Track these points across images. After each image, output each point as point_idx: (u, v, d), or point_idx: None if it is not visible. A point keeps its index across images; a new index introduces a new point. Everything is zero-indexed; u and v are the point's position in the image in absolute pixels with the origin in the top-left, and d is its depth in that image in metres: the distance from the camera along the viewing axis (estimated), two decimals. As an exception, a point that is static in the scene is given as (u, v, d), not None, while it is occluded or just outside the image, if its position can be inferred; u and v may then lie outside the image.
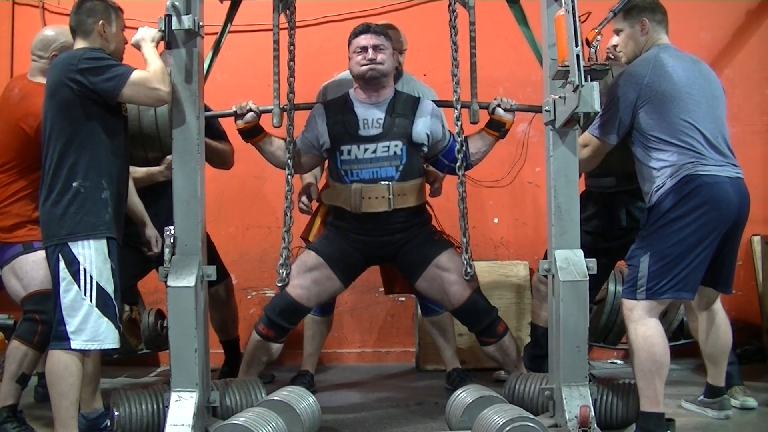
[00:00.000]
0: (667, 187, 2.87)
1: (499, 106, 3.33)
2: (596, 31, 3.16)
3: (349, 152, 3.34)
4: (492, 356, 3.50)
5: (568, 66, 2.58)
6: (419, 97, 3.47)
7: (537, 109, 3.17)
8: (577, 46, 2.53)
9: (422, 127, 3.35)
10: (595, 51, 3.10)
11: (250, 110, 3.31)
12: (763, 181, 4.52)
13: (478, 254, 4.52)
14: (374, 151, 3.33)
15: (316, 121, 3.41)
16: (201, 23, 2.87)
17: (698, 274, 2.90)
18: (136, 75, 2.79)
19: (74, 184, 2.80)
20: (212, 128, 3.59)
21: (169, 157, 3.47)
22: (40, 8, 4.77)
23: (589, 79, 2.57)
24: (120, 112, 2.94)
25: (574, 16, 2.53)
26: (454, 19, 3.30)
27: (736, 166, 2.96)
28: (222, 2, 3.32)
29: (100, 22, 2.90)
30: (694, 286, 2.92)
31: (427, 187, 3.62)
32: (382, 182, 3.32)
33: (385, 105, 3.37)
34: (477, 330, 3.45)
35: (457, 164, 3.31)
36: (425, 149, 3.39)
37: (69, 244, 2.77)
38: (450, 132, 3.41)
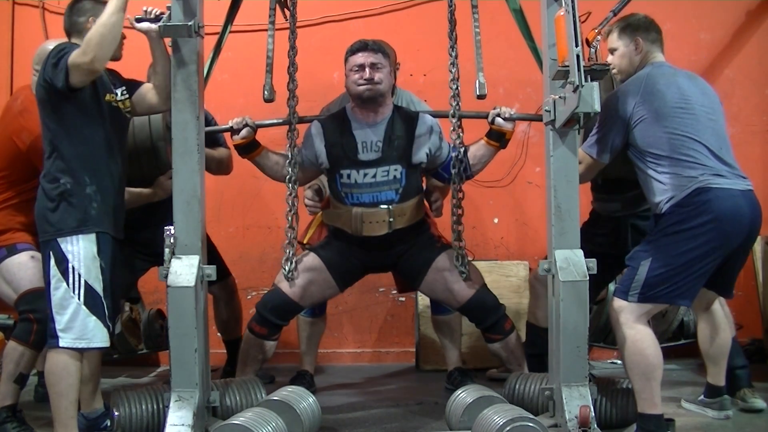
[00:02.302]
0: (678, 198, 2.86)
1: (498, 115, 3.31)
2: (596, 31, 3.16)
3: (348, 176, 3.33)
4: (497, 353, 3.50)
5: (568, 66, 2.58)
6: (418, 113, 3.44)
7: (537, 118, 3.17)
8: (577, 46, 2.52)
9: (422, 146, 3.35)
10: (595, 51, 3.10)
11: (247, 125, 3.29)
12: (763, 181, 4.51)
13: (478, 254, 4.52)
14: (374, 176, 3.32)
15: (314, 140, 3.39)
16: (201, 24, 2.87)
17: (699, 284, 2.90)
18: (71, 57, 2.72)
19: (61, 181, 2.80)
20: (210, 135, 3.57)
21: (161, 177, 3.47)
22: (40, 8, 4.77)
23: (589, 79, 2.57)
24: (101, 105, 2.88)
25: (574, 16, 2.53)
26: (453, 28, 3.29)
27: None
28: (220, 0, 3.31)
29: (90, 19, 2.91)
30: (693, 295, 2.92)
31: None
32: (382, 206, 3.32)
33: (384, 125, 3.35)
34: (484, 326, 3.45)
35: (454, 174, 3.32)
36: (424, 165, 3.39)
37: (58, 241, 2.77)
38: (449, 145, 3.39)
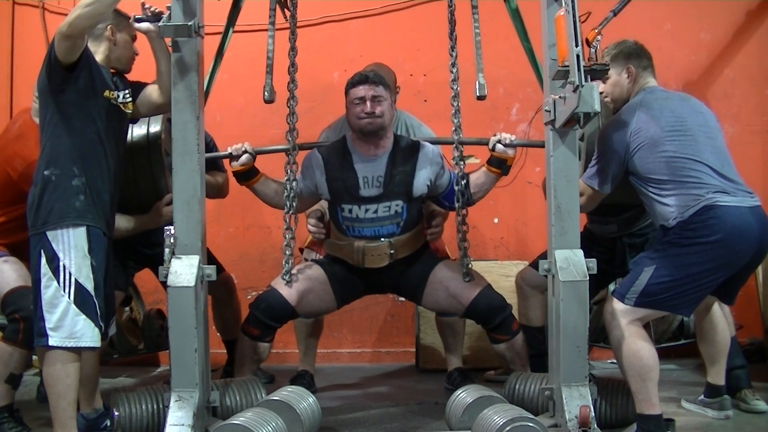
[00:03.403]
0: (686, 216, 2.84)
1: (499, 142, 3.31)
2: (596, 31, 3.16)
3: (350, 211, 3.34)
4: (501, 354, 3.49)
5: (568, 66, 2.58)
6: (419, 143, 3.42)
7: (539, 144, 3.17)
8: (577, 46, 2.52)
9: (423, 179, 3.34)
10: (595, 51, 3.10)
11: (246, 152, 3.28)
12: (763, 181, 4.52)
13: (478, 254, 4.53)
14: (375, 212, 3.33)
15: (314, 171, 3.38)
16: (201, 24, 2.87)
17: (701, 297, 2.90)
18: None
19: (45, 173, 2.79)
20: (209, 160, 3.53)
21: (158, 203, 3.46)
22: (40, 8, 4.77)
23: (589, 79, 2.57)
24: (97, 99, 2.87)
25: (574, 16, 2.53)
26: (454, 28, 3.27)
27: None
28: (220, 0, 3.31)
29: (109, 27, 2.96)
30: (693, 307, 2.92)
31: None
32: (383, 239, 3.34)
33: (385, 158, 3.34)
34: (492, 326, 3.43)
35: (458, 204, 3.32)
36: (425, 195, 3.40)
37: (49, 238, 2.74)
38: (450, 172, 3.39)
